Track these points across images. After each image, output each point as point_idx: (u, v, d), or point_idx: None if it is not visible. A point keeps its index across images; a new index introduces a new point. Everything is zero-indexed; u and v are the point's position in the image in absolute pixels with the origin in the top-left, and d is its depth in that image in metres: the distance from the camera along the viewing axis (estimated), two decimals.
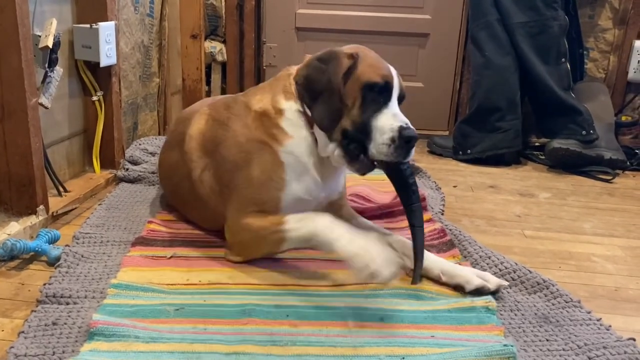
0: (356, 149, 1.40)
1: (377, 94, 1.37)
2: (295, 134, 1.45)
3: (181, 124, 1.74)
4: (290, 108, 1.46)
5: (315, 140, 1.46)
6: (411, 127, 1.35)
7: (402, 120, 1.36)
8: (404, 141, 1.33)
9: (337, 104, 1.38)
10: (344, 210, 1.67)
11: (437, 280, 1.42)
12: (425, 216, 1.81)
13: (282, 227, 1.37)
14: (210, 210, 1.59)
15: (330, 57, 1.41)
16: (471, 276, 1.38)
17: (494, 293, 1.36)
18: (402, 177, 1.43)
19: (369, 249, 1.23)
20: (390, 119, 1.35)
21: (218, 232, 1.67)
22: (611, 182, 2.39)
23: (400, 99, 1.43)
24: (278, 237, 1.39)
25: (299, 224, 1.35)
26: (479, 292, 1.35)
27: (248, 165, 1.45)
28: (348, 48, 1.45)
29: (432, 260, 1.44)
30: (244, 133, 1.48)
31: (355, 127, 1.38)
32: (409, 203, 1.43)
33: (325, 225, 1.32)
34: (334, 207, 1.62)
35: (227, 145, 1.50)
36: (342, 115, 1.39)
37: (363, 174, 1.44)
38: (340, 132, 1.40)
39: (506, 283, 1.40)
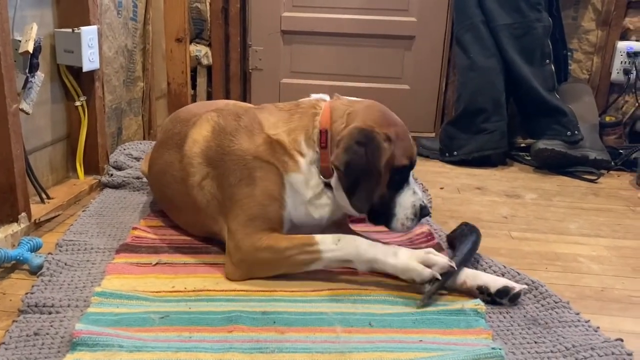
0: (378, 222, 1.49)
1: (401, 173, 1.44)
2: (305, 172, 1.46)
3: (179, 124, 1.69)
4: (310, 157, 1.46)
5: (327, 187, 1.47)
6: (425, 201, 1.49)
7: (420, 197, 1.47)
8: (422, 215, 1.46)
9: (374, 187, 1.41)
10: (344, 226, 1.65)
11: (459, 288, 1.39)
12: None
13: (315, 247, 1.38)
14: (203, 216, 1.57)
15: (368, 140, 1.39)
16: (495, 277, 1.40)
17: (516, 297, 1.35)
18: None
19: (415, 255, 1.35)
20: (412, 197, 1.45)
21: (204, 238, 1.65)
22: (596, 182, 2.41)
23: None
24: (310, 258, 1.39)
25: (337, 245, 1.38)
26: (503, 292, 1.35)
27: (252, 182, 1.45)
28: (382, 123, 1.42)
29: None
30: (250, 150, 1.47)
31: (381, 202, 1.44)
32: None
33: (368, 245, 1.38)
34: (336, 224, 1.60)
35: (233, 158, 1.48)
36: (374, 193, 1.43)
37: None
38: (369, 206, 1.45)
39: (525, 286, 1.38)
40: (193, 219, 1.63)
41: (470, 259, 1.47)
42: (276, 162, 1.45)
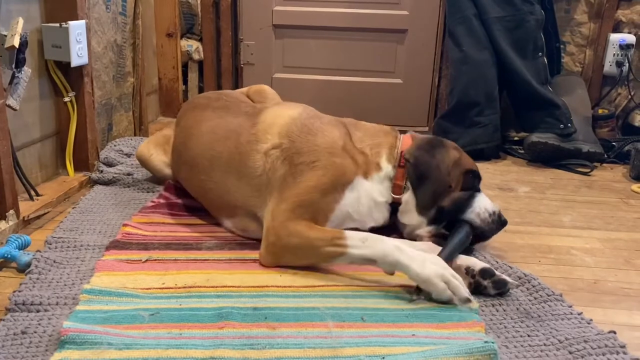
0: (444, 230, 1.54)
1: (473, 179, 1.58)
2: (376, 184, 1.54)
3: (237, 98, 1.82)
4: (387, 171, 1.56)
5: (392, 204, 1.56)
6: None
7: (494, 204, 1.59)
8: (501, 223, 1.57)
9: (442, 188, 1.52)
10: None
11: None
12: None
13: (343, 241, 1.38)
14: (246, 184, 1.56)
15: (439, 144, 1.59)
16: (478, 260, 1.42)
17: (501, 284, 1.35)
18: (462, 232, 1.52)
19: (441, 272, 1.30)
20: (488, 201, 1.58)
21: (195, 235, 1.64)
22: (589, 175, 2.41)
23: None
24: (336, 251, 1.38)
25: (364, 243, 1.37)
26: (487, 273, 1.36)
27: (325, 166, 1.48)
28: (451, 145, 1.62)
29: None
30: (340, 144, 1.54)
31: (454, 206, 1.53)
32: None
33: (395, 247, 1.35)
34: None
35: (319, 141, 1.52)
36: (443, 197, 1.52)
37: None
38: (436, 210, 1.52)
39: (514, 282, 1.39)
40: (228, 184, 1.60)
41: (458, 252, 1.46)
42: (357, 162, 1.53)
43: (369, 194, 1.54)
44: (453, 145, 1.61)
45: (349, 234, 1.40)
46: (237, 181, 1.59)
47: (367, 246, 1.37)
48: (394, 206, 1.57)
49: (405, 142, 1.59)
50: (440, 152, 1.55)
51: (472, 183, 1.57)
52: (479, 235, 1.56)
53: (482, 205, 1.55)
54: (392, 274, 1.37)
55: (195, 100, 1.95)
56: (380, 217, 1.57)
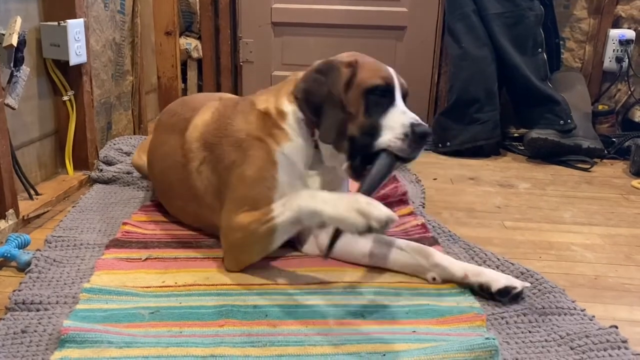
0: (363, 164, 1.37)
1: (379, 96, 1.38)
2: (294, 138, 1.43)
3: (187, 109, 1.67)
4: (293, 112, 1.44)
5: (316, 147, 1.44)
6: (423, 122, 1.36)
7: (412, 116, 1.36)
8: (418, 137, 1.33)
9: (341, 115, 1.36)
10: None
11: (460, 282, 1.35)
12: (407, 210, 1.81)
13: (270, 214, 1.32)
14: (202, 205, 1.55)
15: (328, 68, 1.40)
16: (498, 275, 1.34)
17: (518, 297, 1.31)
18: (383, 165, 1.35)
19: (353, 204, 1.18)
20: (400, 116, 1.36)
21: (195, 234, 1.64)
22: (589, 171, 2.40)
23: (404, 97, 1.43)
24: (267, 228, 1.32)
25: (284, 207, 1.31)
26: (505, 292, 1.30)
27: (243, 161, 1.43)
28: (346, 56, 1.44)
29: (455, 262, 1.39)
30: (244, 129, 1.46)
31: (362, 132, 1.36)
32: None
33: (308, 196, 1.27)
34: None
35: (229, 140, 1.47)
36: (347, 125, 1.37)
37: None
38: (348, 141, 1.38)
39: (528, 284, 1.34)
40: (192, 208, 1.61)
41: (380, 183, 1.33)
42: (266, 138, 1.43)
43: (297, 157, 1.42)
44: (347, 62, 1.39)
45: (275, 204, 1.33)
46: (194, 204, 1.59)
47: (287, 208, 1.29)
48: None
49: (296, 81, 1.46)
50: (330, 76, 1.37)
51: (379, 102, 1.37)
52: (403, 159, 1.37)
53: (393, 130, 1.34)
54: (323, 227, 1.29)
55: (161, 116, 1.87)
56: (320, 174, 1.47)
